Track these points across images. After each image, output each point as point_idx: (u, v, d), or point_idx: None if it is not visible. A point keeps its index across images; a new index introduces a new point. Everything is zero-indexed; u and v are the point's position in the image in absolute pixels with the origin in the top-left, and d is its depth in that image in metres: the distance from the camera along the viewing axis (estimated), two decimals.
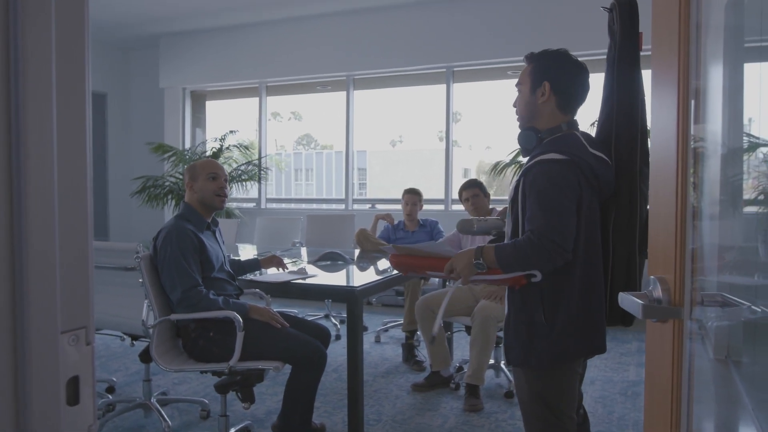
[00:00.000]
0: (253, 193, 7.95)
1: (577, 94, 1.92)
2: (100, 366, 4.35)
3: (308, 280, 3.30)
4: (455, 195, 6.90)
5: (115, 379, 4.03)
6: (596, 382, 4.01)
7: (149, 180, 7.16)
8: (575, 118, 1.95)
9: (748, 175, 1.10)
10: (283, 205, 8.40)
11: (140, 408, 3.46)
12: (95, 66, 7.66)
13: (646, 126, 1.89)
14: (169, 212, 7.48)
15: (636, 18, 1.86)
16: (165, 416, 3.27)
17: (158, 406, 3.38)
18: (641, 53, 1.88)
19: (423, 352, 4.43)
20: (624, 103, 1.86)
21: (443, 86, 6.97)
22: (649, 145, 1.54)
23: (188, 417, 3.49)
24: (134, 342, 3.50)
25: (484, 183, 4.29)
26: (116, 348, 4.80)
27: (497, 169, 5.92)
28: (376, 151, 12.53)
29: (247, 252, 4.89)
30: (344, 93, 7.48)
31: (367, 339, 5.04)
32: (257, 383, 2.81)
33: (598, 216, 1.85)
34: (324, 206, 8.46)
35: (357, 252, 4.62)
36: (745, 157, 1.14)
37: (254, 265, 3.40)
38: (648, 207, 1.89)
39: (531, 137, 1.90)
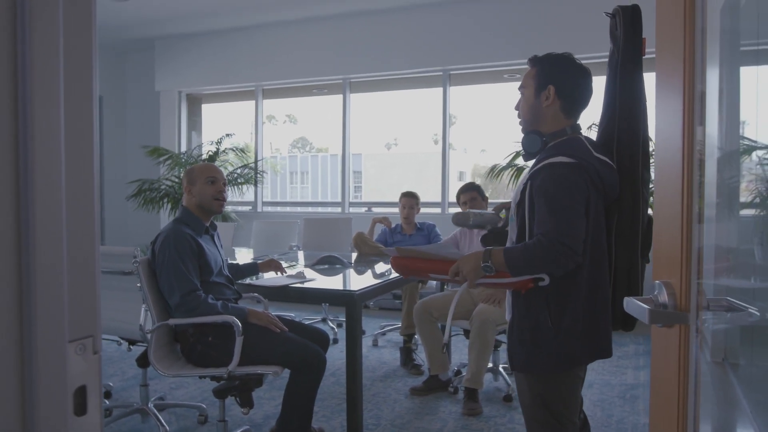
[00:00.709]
0: (249, 196, 7.93)
1: (581, 98, 1.92)
2: None
3: (307, 284, 3.28)
4: (452, 198, 6.93)
5: (111, 384, 4.00)
6: (594, 385, 4.00)
7: (145, 183, 7.13)
8: (578, 122, 1.95)
9: (750, 178, 1.10)
10: (279, 209, 8.38)
11: (137, 413, 3.44)
12: None
13: (647, 131, 1.89)
14: (165, 216, 7.46)
15: (639, 23, 1.86)
16: (162, 421, 3.25)
17: (156, 411, 3.36)
18: (644, 57, 1.88)
19: (421, 356, 4.41)
20: (626, 107, 1.86)
21: (439, 89, 6.97)
22: (652, 149, 1.54)
23: (186, 422, 3.47)
24: (131, 347, 3.47)
25: (481, 186, 4.29)
26: (113, 353, 4.77)
27: (494, 172, 5.92)
28: (371, 154, 12.54)
29: (243, 256, 4.88)
30: (340, 96, 7.47)
31: (365, 343, 5.03)
32: (256, 388, 2.80)
33: (603, 219, 1.85)
34: (320, 209, 8.45)
35: (354, 255, 4.61)
36: (746, 160, 1.15)
37: (252, 269, 3.39)
38: (649, 211, 1.90)
39: (535, 141, 1.89)
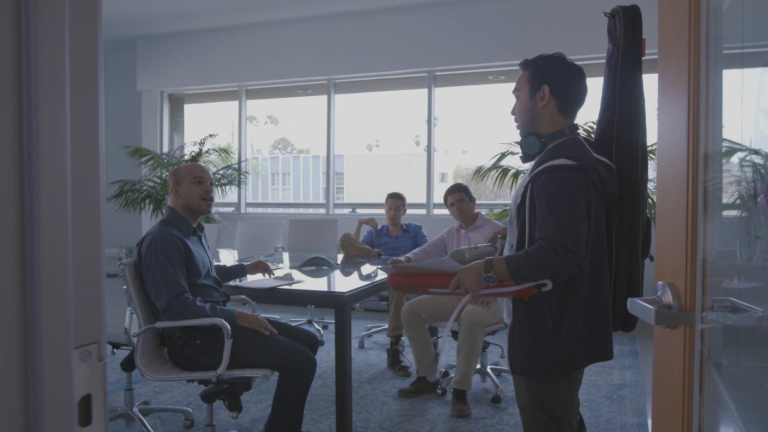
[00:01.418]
0: (232, 197, 7.85)
1: (576, 96, 1.92)
2: None
3: (295, 286, 3.25)
4: (437, 200, 6.93)
5: None
6: (581, 386, 4.01)
7: (126, 184, 7.03)
8: (575, 122, 1.95)
9: (751, 178, 1.10)
10: (262, 210, 8.32)
11: (122, 418, 3.38)
12: None
13: (645, 132, 1.89)
14: (146, 217, 7.35)
15: (639, 24, 1.86)
16: (148, 426, 3.20)
17: (140, 415, 3.30)
18: (643, 58, 1.89)
19: (408, 358, 4.40)
20: (626, 108, 1.86)
21: (425, 90, 6.97)
22: (655, 150, 1.54)
23: (171, 427, 3.41)
24: (115, 350, 3.41)
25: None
26: None
27: (480, 173, 5.92)
28: (353, 155, 12.52)
29: (225, 257, 4.82)
30: (324, 97, 7.44)
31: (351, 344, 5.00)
32: (245, 392, 2.76)
33: (604, 221, 1.85)
34: (302, 211, 8.40)
35: (341, 257, 4.59)
36: (747, 161, 1.15)
37: (240, 270, 3.35)
38: (649, 212, 1.90)
39: (534, 143, 1.88)
